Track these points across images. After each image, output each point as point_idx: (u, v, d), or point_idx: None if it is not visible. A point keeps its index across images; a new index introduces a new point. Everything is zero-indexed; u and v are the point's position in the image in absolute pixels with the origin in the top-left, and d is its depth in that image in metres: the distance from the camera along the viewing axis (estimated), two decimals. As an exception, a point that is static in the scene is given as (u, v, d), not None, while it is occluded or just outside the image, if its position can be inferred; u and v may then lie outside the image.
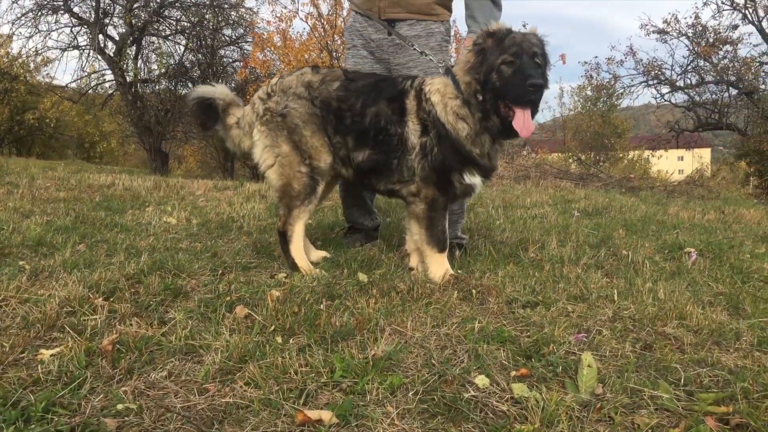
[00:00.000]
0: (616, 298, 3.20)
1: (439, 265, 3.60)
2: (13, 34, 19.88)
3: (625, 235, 5.22)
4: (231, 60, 22.26)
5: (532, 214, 6.59)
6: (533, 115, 3.35)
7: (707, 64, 19.01)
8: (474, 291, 3.22)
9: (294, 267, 3.67)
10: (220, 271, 3.58)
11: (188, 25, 20.81)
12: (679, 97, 20.71)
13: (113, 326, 2.62)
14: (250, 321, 2.73)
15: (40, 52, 21.14)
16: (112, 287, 3.13)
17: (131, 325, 2.63)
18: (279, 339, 2.51)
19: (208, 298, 3.03)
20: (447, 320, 2.80)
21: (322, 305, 2.93)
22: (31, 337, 2.48)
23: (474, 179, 3.57)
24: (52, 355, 2.29)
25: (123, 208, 6.29)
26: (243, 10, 21.17)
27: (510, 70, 3.25)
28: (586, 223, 5.90)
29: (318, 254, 4.09)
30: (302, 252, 3.75)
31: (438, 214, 3.59)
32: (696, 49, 18.90)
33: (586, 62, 29.99)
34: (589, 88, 31.83)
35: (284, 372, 2.21)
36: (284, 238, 3.73)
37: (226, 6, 20.85)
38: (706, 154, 38.98)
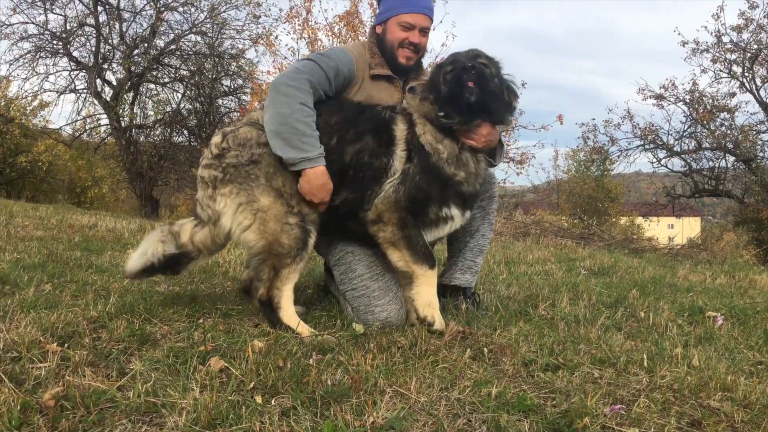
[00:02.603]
0: (646, 363, 2.80)
1: (430, 287, 3.23)
2: (10, 75, 19.78)
3: (639, 296, 4.86)
4: (228, 109, 22.22)
5: (536, 270, 6.23)
6: None
7: (705, 130, 19.05)
8: (485, 350, 2.82)
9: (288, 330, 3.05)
10: (198, 318, 3.18)
11: (187, 73, 20.81)
12: (676, 163, 20.71)
13: (62, 377, 2.20)
14: (225, 376, 2.31)
15: (36, 94, 21.07)
16: (70, 331, 2.72)
17: (84, 375, 2.21)
18: (259, 399, 2.09)
19: (180, 347, 2.62)
20: (457, 382, 2.39)
21: (311, 359, 2.52)
22: (-40, 386, 2.06)
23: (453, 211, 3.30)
24: (-20, 411, 1.88)
25: (102, 248, 5.90)
26: (243, 61, 21.24)
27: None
28: (595, 282, 5.54)
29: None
30: (296, 316, 3.13)
31: (414, 231, 3.22)
32: (694, 114, 18.96)
33: (583, 124, 29.54)
34: (582, 152, 31.80)
35: (262, 441, 1.80)
36: (270, 307, 3.10)
37: (226, 57, 20.91)
38: (696, 223, 39.05)
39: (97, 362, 2.39)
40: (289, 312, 3.10)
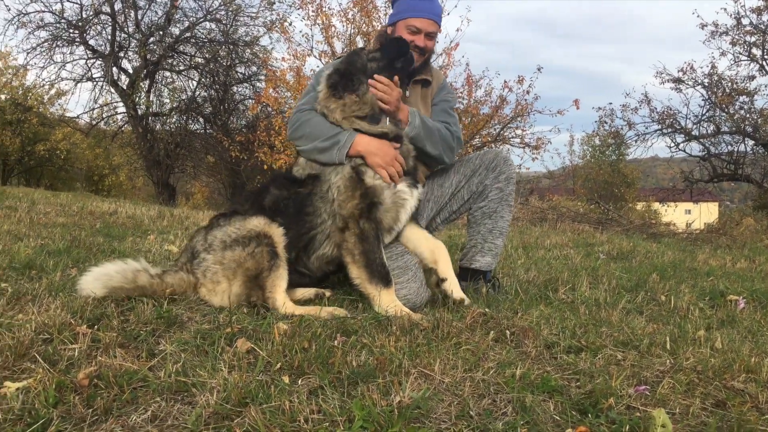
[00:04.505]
0: (669, 346, 2.81)
1: (389, 301, 3.18)
2: (28, 63, 19.96)
3: (660, 280, 4.85)
4: (243, 97, 22.28)
5: (555, 255, 6.23)
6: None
7: (723, 114, 18.81)
8: (508, 332, 2.84)
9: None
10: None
11: (202, 61, 20.87)
12: (694, 148, 20.45)
13: (94, 357, 2.24)
14: (252, 357, 2.35)
15: (54, 83, 21.25)
16: (98, 314, 2.77)
17: (115, 356, 2.25)
18: (286, 379, 2.13)
19: (206, 329, 2.66)
20: (481, 364, 2.41)
21: (336, 341, 2.55)
22: (-3, 366, 2.12)
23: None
24: (17, 389, 1.92)
25: (123, 235, 5.98)
26: (257, 48, 21.25)
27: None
28: (614, 267, 5.54)
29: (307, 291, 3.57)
30: (301, 308, 3.13)
31: (371, 246, 3.21)
32: (712, 98, 18.71)
33: (600, 108, 28.42)
34: (597, 137, 31.44)
35: (292, 419, 1.83)
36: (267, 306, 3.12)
37: (240, 44, 20.94)
38: (714, 208, 38.59)
39: (127, 344, 2.44)
40: (289, 307, 3.10)
